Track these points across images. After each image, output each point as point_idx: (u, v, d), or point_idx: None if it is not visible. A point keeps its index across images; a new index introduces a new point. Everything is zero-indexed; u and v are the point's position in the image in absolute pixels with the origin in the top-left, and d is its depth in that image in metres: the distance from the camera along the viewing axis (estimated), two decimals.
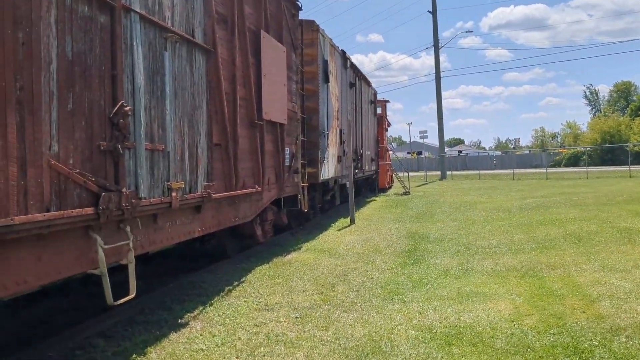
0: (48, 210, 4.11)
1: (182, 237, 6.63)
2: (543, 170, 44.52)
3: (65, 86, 4.32)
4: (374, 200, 24.67)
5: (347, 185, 16.11)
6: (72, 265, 4.61)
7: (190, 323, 6.49)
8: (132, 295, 5.28)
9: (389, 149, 34.97)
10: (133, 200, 5.13)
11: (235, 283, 8.35)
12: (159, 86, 5.72)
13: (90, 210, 4.57)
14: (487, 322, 6.41)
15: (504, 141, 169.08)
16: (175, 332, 6.15)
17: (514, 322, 6.38)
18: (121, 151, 4.92)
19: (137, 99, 5.23)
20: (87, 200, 4.59)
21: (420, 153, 70.08)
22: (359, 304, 7.28)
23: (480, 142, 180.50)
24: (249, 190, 8.61)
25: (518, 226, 13.76)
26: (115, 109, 4.90)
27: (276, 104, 10.23)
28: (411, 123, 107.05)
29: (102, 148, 4.75)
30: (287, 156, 11.26)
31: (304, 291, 7.94)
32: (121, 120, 4.91)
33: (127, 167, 5.13)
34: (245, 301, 7.36)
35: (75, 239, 4.63)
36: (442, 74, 43.92)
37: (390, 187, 32.48)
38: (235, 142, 8.19)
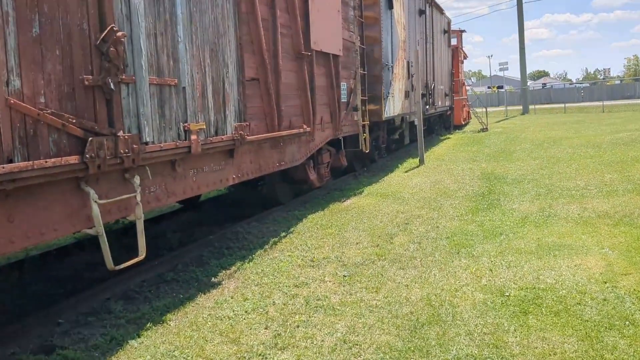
0: (10, 161, 3.31)
1: (212, 185, 5.81)
2: (637, 101, 40.95)
3: (26, 5, 3.44)
4: (448, 138, 23.21)
5: (416, 123, 14.86)
6: (61, 225, 3.86)
7: (223, 282, 5.74)
8: (140, 257, 4.52)
9: (466, 83, 32.94)
10: (135, 146, 4.29)
11: (283, 234, 7.53)
12: (166, 8, 4.76)
13: (74, 159, 3.76)
14: (573, 283, 5.29)
15: (592, 72, 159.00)
16: (205, 294, 5.41)
17: (607, 284, 5.23)
18: (113, 87, 4.04)
19: (134, 23, 4.31)
20: (69, 147, 3.78)
21: (500, 87, 66.61)
22: (419, 259, 6.30)
23: (566, 74, 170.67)
24: (295, 131, 7.66)
25: (609, 164, 12.18)
26: (104, 34, 4.01)
27: (328, 32, 9.10)
28: (491, 56, 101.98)
29: (86, 83, 3.89)
30: (344, 92, 10.17)
31: (357, 243, 7.02)
32: (112, 49, 4.02)
33: (125, 107, 4.28)
34: (289, 255, 6.53)
35: (61, 194, 3.86)
36: (524, 0, 40.69)
37: (466, 124, 30.73)
38: (277, 76, 7.21)
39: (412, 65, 15.18)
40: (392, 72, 13.32)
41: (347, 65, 10.37)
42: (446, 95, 23.13)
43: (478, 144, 19.53)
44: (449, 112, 25.67)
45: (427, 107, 18.09)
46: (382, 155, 13.97)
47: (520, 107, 41.95)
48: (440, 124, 25.39)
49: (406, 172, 13.26)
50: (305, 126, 7.95)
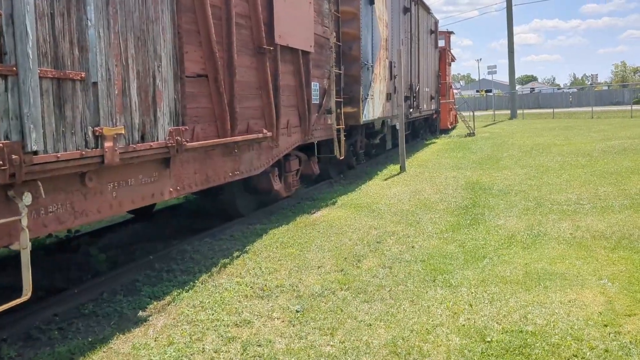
0: None
1: (142, 201, 4.86)
2: (626, 107, 40.37)
3: None
4: (434, 142, 22.36)
5: (398, 127, 13.96)
6: None
7: (151, 318, 4.78)
8: (24, 298, 3.56)
9: (453, 86, 32.15)
10: (14, 156, 3.33)
11: (237, 253, 6.59)
12: None
13: None
14: (568, 326, 4.41)
15: (580, 77, 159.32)
16: (124, 334, 4.45)
17: (608, 328, 4.35)
18: None
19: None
20: None
21: (489, 91, 66.05)
22: (388, 289, 5.38)
23: (554, 79, 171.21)
24: (254, 136, 6.72)
25: (603, 175, 11.35)
26: None
27: (297, 26, 8.17)
28: (480, 59, 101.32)
29: None
30: (316, 93, 9.25)
31: (319, 267, 6.09)
32: None
33: (1, 106, 3.31)
34: (237, 282, 5.58)
35: None
36: (513, 4, 40.02)
37: (453, 128, 29.91)
38: (231, 72, 6.27)
39: (395, 66, 14.29)
40: (373, 73, 12.42)
41: (320, 63, 9.44)
42: (432, 98, 22.28)
43: (464, 149, 18.69)
44: (435, 116, 24.82)
45: (411, 110, 17.22)
46: (361, 161, 13.07)
47: (509, 112, 41.28)
48: (426, 128, 24.55)
49: (385, 179, 12.36)
50: (265, 131, 7.00)
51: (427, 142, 22.56)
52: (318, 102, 9.43)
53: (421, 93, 19.15)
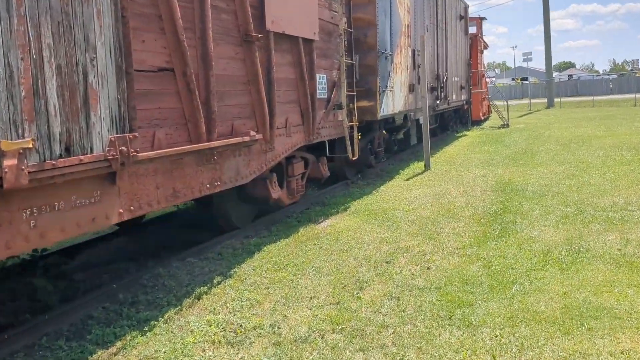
0: None
1: (76, 229, 3.89)
2: None
3: None
4: (465, 135, 21.05)
5: (422, 122, 12.80)
6: None
7: None
8: None
9: (486, 75, 30.63)
10: None
11: (218, 279, 5.60)
12: None
13: None
14: None
15: (620, 63, 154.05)
16: None
17: None
18: None
19: None
20: None
21: (525, 79, 63.83)
22: (391, 330, 4.33)
23: (593, 65, 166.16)
24: (237, 140, 5.71)
25: None
26: None
27: (296, 10, 7.12)
28: (516, 46, 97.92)
29: None
30: (322, 86, 8.20)
31: (311, 298, 5.06)
32: None
33: None
34: (208, 321, 4.59)
35: None
36: None
37: (486, 119, 28.47)
38: (206, 65, 5.27)
39: (418, 54, 13.10)
40: (392, 62, 11.28)
41: (326, 52, 8.38)
42: (462, 88, 20.96)
43: (496, 143, 17.38)
44: (466, 107, 23.46)
45: (438, 102, 16.00)
46: (381, 160, 11.96)
47: (545, 100, 39.42)
48: (456, 120, 23.22)
49: (407, 179, 11.24)
50: (254, 133, 5.98)
51: (458, 135, 21.27)
52: (325, 96, 8.37)
53: (449, 83, 17.89)
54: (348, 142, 8.90)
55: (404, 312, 4.68)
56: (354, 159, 9.17)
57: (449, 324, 4.41)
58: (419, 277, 5.52)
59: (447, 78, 17.25)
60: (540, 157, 13.40)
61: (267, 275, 5.64)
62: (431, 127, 17.65)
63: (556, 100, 38.30)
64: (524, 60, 40.56)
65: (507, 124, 23.48)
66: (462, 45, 20.82)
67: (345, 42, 9.22)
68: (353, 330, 4.35)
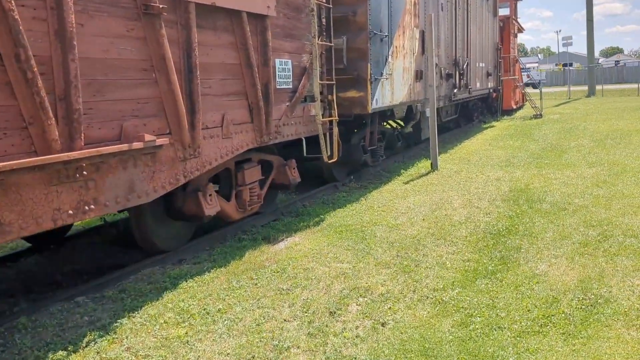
0: None
1: None
2: None
3: None
4: (492, 127, 19.15)
5: (428, 114, 11.10)
6: None
7: None
8: None
9: (520, 60, 28.42)
10: None
11: (90, 337, 4.12)
12: None
13: None
14: None
15: None
16: None
17: None
18: None
19: None
20: None
21: (567, 64, 60.63)
22: None
23: None
24: (114, 149, 4.19)
25: None
26: None
27: None
28: (560, 31, 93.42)
29: None
30: (285, 74, 6.64)
31: None
32: None
33: None
34: None
35: None
36: None
37: (519, 108, 26.37)
38: (65, 45, 3.77)
39: (427, 37, 11.36)
40: (391, 45, 9.62)
41: (292, 32, 6.80)
42: (489, 75, 19.03)
43: (524, 136, 15.51)
44: (495, 95, 21.47)
45: (456, 90, 14.21)
46: (379, 158, 10.33)
47: (586, 88, 36.81)
48: (483, 110, 21.27)
49: (407, 182, 9.61)
50: (149, 136, 4.47)
51: (485, 126, 19.39)
52: (290, 86, 6.81)
53: (472, 69, 16.05)
54: (322, 142, 7.32)
55: None
56: (329, 162, 7.57)
57: None
58: (364, 342, 3.97)
59: (468, 64, 15.41)
60: (569, 155, 11.56)
61: (158, 333, 4.15)
62: (449, 119, 15.89)
63: (598, 88, 35.66)
64: (564, 45, 37.95)
65: (540, 114, 21.44)
66: (489, 28, 18.86)
67: (324, 19, 7.62)
68: None
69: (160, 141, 4.54)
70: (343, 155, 9.39)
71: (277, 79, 6.50)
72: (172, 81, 4.73)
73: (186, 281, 5.15)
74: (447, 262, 5.59)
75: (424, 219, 7.19)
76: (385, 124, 12.50)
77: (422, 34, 11.26)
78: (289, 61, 6.75)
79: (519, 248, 5.89)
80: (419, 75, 11.15)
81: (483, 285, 4.96)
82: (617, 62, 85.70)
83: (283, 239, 6.51)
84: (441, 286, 4.97)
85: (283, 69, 6.60)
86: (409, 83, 10.61)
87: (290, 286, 5.01)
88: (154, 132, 4.64)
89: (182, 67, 4.92)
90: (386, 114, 10.21)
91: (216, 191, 6.14)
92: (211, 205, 5.69)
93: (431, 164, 10.73)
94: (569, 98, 33.36)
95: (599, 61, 75.02)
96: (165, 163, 4.78)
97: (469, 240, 6.26)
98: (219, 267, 5.52)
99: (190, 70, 4.97)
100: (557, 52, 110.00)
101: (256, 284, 5.07)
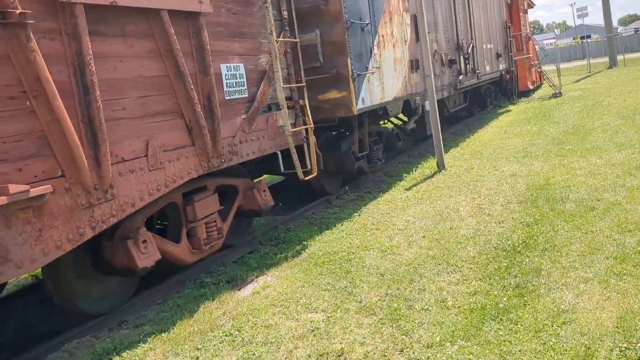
0: None
1: None
2: None
3: None
4: (508, 111, 17.73)
5: (428, 108, 9.85)
6: None
7: None
8: None
9: (533, 38, 26.85)
10: None
11: None
12: None
13: None
14: None
15: None
16: None
17: None
18: None
19: None
20: None
21: (586, 37, 58.36)
22: None
23: None
24: None
25: None
26: None
27: None
28: (574, 3, 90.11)
29: None
30: (236, 80, 5.50)
31: None
32: None
33: None
34: None
35: None
36: None
37: (537, 88, 24.83)
38: None
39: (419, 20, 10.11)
40: (376, 35, 8.41)
41: (240, 30, 5.66)
42: (499, 56, 17.65)
43: (543, 119, 14.13)
44: (508, 77, 20.03)
45: (461, 77, 12.93)
46: (376, 163, 9.13)
47: (607, 59, 34.95)
48: (497, 94, 19.84)
49: (409, 188, 8.40)
50: (22, 186, 3.36)
51: (501, 111, 17.99)
52: (245, 95, 5.66)
53: (479, 52, 14.74)
54: (294, 156, 6.15)
55: None
56: (305, 178, 6.39)
57: None
58: None
59: (473, 47, 14.10)
60: (594, 137, 10.20)
61: None
62: (458, 108, 14.58)
63: (619, 58, 33.80)
64: (579, 16, 36.14)
65: (560, 92, 19.95)
66: (495, 6, 17.50)
67: (285, 12, 6.47)
68: None
69: (40, 189, 3.42)
70: (334, 165, 8.25)
71: (226, 88, 5.37)
72: (57, 108, 3.61)
73: (136, 347, 4.04)
74: (449, 298, 4.40)
75: (424, 236, 5.99)
76: (385, 122, 11.30)
77: (414, 18, 10.02)
78: (241, 65, 5.60)
79: (539, 270, 4.67)
80: (414, 65, 9.91)
81: (492, 333, 3.75)
82: (636, 29, 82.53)
83: (252, 280, 5.38)
84: (437, 339, 3.77)
85: (233, 75, 5.46)
86: (403, 75, 9.39)
87: (240, 357, 3.85)
88: (36, 177, 3.53)
89: (75, 88, 3.81)
90: (378, 113, 8.99)
91: (161, 233, 5.04)
92: (146, 254, 4.57)
93: (437, 163, 9.49)
94: (590, 72, 31.58)
95: (618, 30, 72.35)
96: (58, 215, 3.67)
97: (477, 263, 5.05)
98: (160, 333, 4.40)
99: (86, 91, 3.86)
100: (573, 26, 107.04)
101: (197, 358, 3.93)
